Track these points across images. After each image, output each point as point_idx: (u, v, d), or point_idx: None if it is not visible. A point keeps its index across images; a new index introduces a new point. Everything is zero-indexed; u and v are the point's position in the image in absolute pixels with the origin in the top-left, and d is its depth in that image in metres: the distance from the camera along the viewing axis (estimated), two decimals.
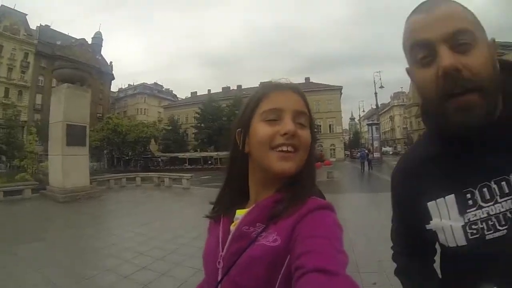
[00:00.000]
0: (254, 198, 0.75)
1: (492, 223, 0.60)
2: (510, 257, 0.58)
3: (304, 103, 0.74)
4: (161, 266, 4.10)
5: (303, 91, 0.77)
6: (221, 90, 63.34)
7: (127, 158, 48.13)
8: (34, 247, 4.93)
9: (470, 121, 0.58)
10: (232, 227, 0.72)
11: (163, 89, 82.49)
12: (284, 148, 0.67)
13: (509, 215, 0.59)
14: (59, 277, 3.72)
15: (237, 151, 0.75)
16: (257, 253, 0.61)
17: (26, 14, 47.09)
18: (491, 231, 0.60)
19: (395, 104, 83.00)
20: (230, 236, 0.71)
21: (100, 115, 49.10)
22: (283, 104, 0.70)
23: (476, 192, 0.63)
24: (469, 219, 0.63)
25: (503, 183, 0.60)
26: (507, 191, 0.59)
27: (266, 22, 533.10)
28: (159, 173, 17.37)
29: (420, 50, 0.62)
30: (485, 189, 0.62)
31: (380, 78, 35.32)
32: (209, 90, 64.73)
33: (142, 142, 45.67)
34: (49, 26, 52.10)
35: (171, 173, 16.72)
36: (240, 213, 0.74)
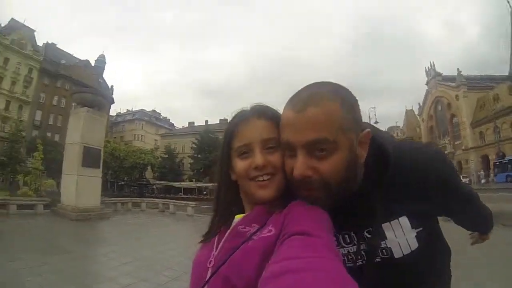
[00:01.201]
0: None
1: (351, 257, 0.80)
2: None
3: (271, 125, 0.76)
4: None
5: (269, 109, 0.80)
6: (218, 122, 62.89)
7: (122, 183, 47.88)
8: (65, 258, 5.12)
9: None
10: (229, 231, 0.74)
11: (161, 117, 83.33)
12: (260, 179, 0.73)
13: (354, 255, 0.80)
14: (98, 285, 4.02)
15: (226, 180, 0.82)
16: (252, 245, 0.63)
17: (35, 30, 48.31)
18: (350, 263, 0.80)
19: None
20: (225, 236, 0.73)
21: None
22: (250, 138, 0.74)
23: (340, 236, 0.81)
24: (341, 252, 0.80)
25: (346, 236, 0.81)
26: (353, 241, 0.80)
27: (266, 54, 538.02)
28: (163, 200, 17.55)
29: (287, 146, 0.70)
30: (346, 236, 0.81)
31: (375, 114, 35.80)
32: (206, 121, 65.72)
33: (139, 168, 45.74)
34: (55, 44, 53.44)
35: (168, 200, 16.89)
36: (238, 217, 0.76)
